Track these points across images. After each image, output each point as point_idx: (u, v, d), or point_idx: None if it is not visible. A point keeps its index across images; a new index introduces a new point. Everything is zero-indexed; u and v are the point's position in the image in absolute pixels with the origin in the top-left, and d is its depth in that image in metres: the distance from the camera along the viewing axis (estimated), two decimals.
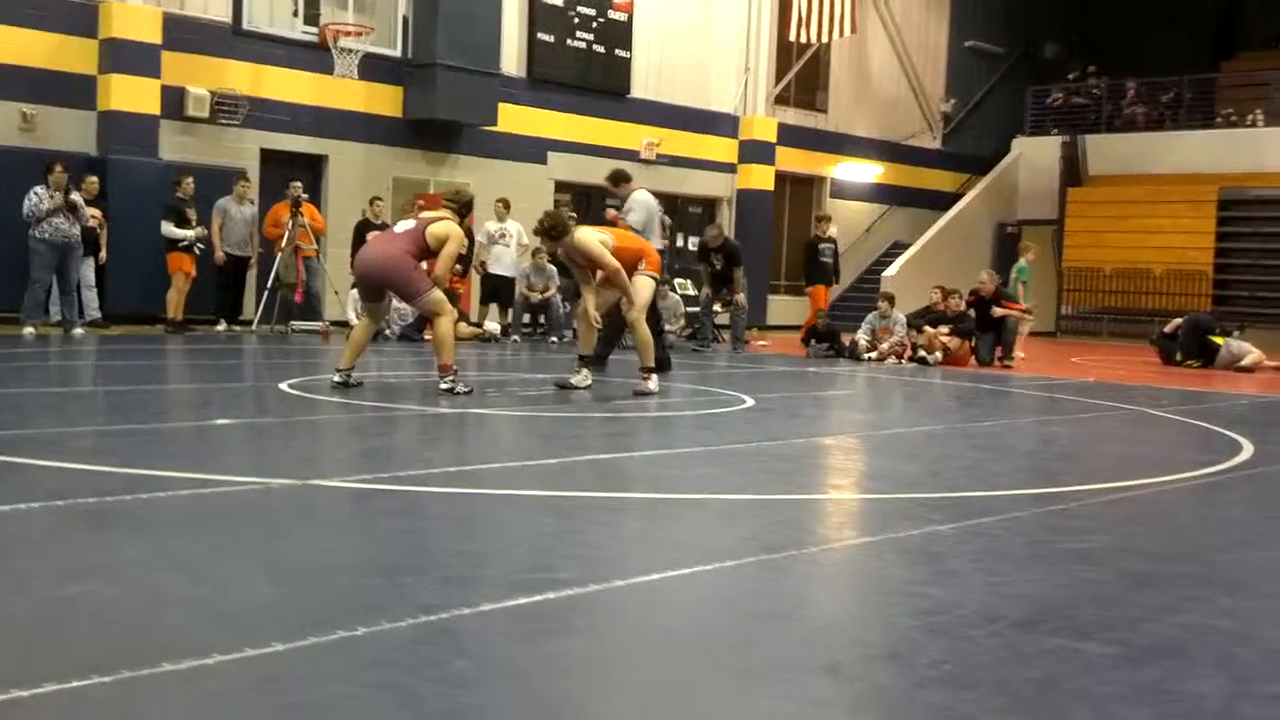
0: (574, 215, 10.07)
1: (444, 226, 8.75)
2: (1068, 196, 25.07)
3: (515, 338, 16.06)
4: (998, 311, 14.92)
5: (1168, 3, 28.08)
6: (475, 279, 16.75)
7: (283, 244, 15.22)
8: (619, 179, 12.18)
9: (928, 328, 14.64)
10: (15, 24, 14.55)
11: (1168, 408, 10.48)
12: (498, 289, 16.46)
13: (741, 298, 16.21)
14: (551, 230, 9.52)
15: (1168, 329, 16.53)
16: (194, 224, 14.61)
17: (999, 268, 18.02)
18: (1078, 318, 24.74)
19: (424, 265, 8.79)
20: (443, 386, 8.72)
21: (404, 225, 8.90)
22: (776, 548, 4.23)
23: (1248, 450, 7.45)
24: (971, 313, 14.92)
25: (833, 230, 18.86)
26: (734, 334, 16.26)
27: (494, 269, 16.30)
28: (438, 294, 8.82)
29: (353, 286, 11.18)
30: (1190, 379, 14.13)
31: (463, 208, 9.17)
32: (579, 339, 9.89)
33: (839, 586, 4.01)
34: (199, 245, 14.61)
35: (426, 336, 14.24)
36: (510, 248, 16.33)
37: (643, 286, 9.52)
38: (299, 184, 15.58)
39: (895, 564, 4.14)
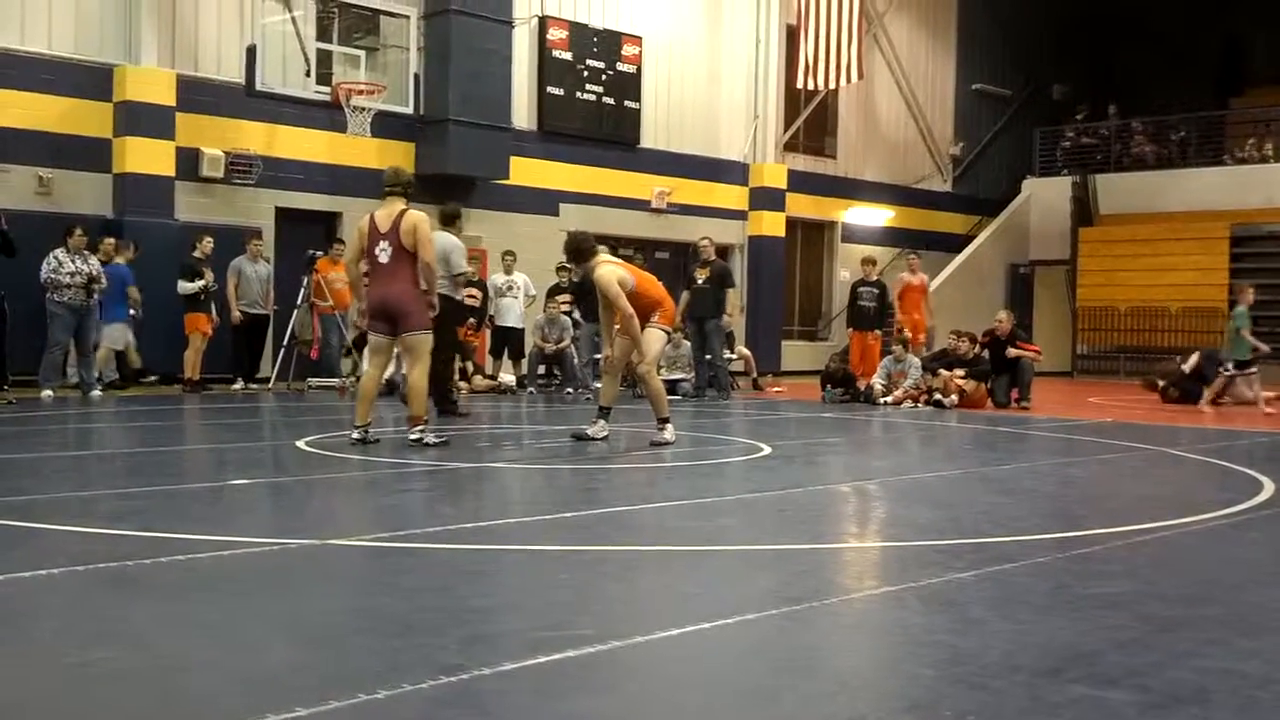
0: (603, 247, 10.05)
1: (408, 223, 8.66)
2: (1079, 236, 25.07)
3: (530, 389, 16.09)
4: (1012, 352, 14.89)
5: (1174, 41, 28.19)
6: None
7: (298, 301, 15.32)
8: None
9: (943, 371, 14.62)
10: (30, 89, 14.72)
11: (1187, 447, 10.44)
12: (506, 341, 16.50)
13: (728, 320, 16.03)
14: (574, 253, 9.62)
15: (1188, 367, 16.33)
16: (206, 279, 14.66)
17: (1014, 309, 17.96)
18: (1093, 357, 24.68)
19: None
20: (411, 438, 8.69)
21: (384, 253, 8.72)
22: (798, 599, 4.21)
23: (1269, 489, 7.40)
24: (986, 354, 14.89)
25: (876, 274, 18.43)
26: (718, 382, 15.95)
27: (502, 321, 16.34)
28: (429, 341, 8.84)
29: (365, 343, 11.22)
30: (1207, 417, 14.07)
31: (406, 187, 8.97)
32: (602, 390, 9.87)
33: (861, 637, 3.99)
34: (210, 289, 14.62)
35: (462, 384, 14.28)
36: (518, 299, 16.39)
37: (652, 339, 9.47)
38: (341, 244, 15.72)
39: (917, 613, 4.12)
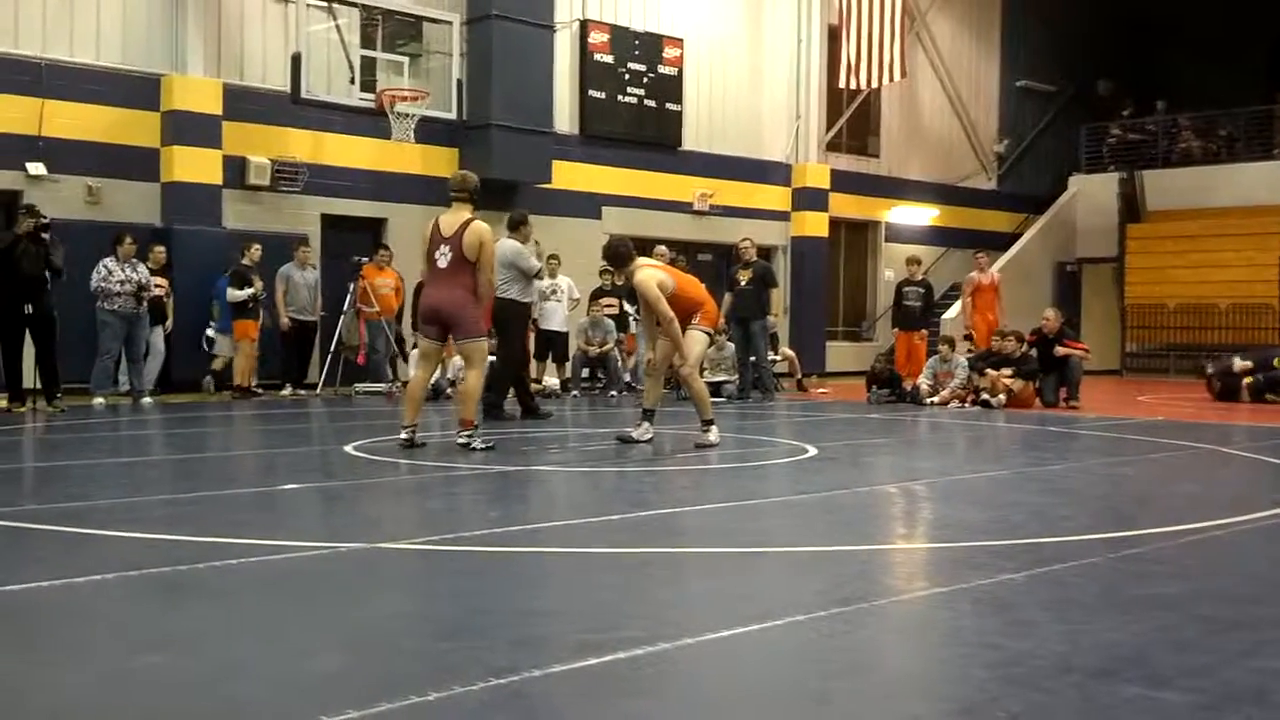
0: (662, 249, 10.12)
1: (472, 234, 8.68)
2: (1127, 233, 24.84)
3: (574, 392, 16.11)
4: (1060, 351, 14.77)
5: (1220, 35, 27.86)
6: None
7: (346, 306, 15.46)
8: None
9: (990, 370, 14.51)
10: (79, 100, 14.90)
11: (1238, 445, 10.31)
12: (550, 344, 16.50)
13: (773, 320, 16.05)
14: (613, 258, 9.67)
15: (1237, 368, 16.11)
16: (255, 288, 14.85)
17: (1062, 307, 17.74)
18: (1142, 355, 24.42)
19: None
20: (459, 441, 8.74)
21: (444, 258, 8.74)
22: (848, 600, 4.20)
23: None
24: (1034, 353, 14.77)
25: (922, 273, 18.34)
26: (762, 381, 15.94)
27: (545, 325, 16.34)
28: (484, 346, 8.93)
29: (413, 346, 11.30)
30: (1259, 414, 13.90)
31: (472, 193, 8.97)
32: (645, 392, 9.88)
33: (913, 639, 3.97)
34: (259, 296, 14.80)
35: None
36: (561, 303, 16.39)
37: (694, 342, 9.45)
38: (386, 250, 15.89)
39: (968, 614, 4.10)
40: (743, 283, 15.55)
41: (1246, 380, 15.72)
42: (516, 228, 12.14)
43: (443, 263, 8.76)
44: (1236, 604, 4.31)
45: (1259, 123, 25.38)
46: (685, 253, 19.94)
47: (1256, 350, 16.90)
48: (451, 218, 8.85)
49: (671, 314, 9.18)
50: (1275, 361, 16.00)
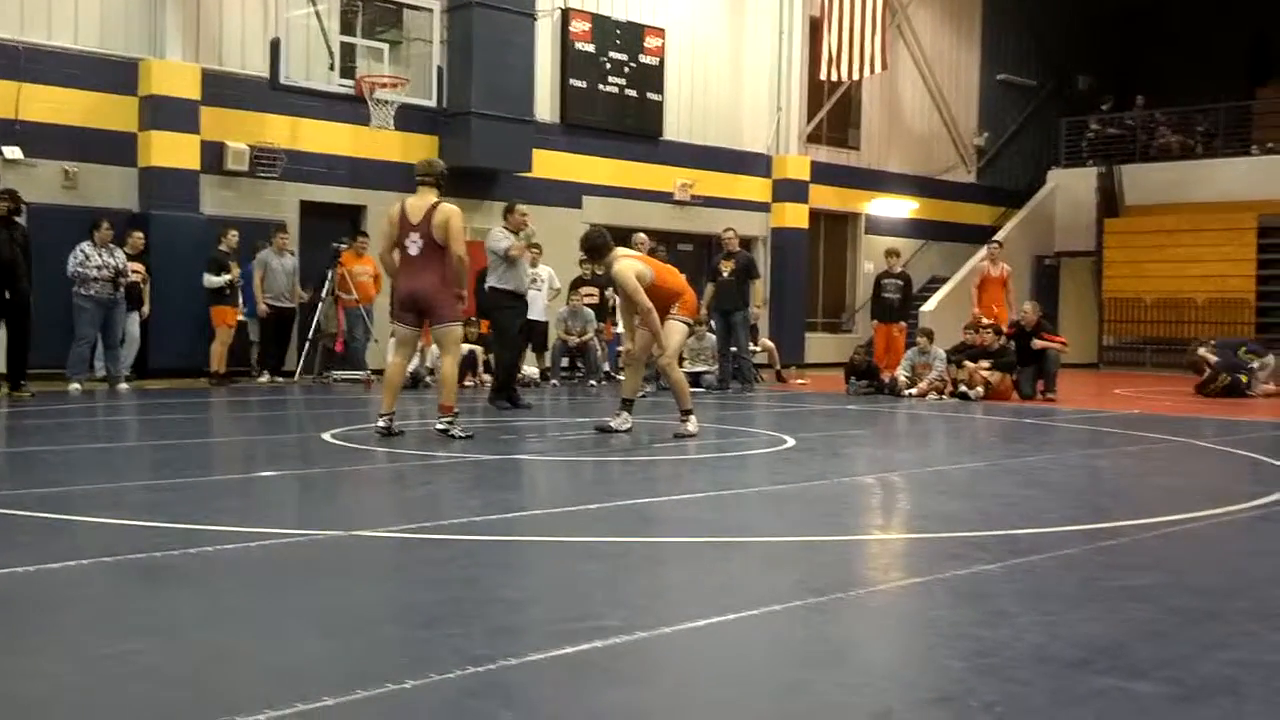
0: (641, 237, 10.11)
1: (440, 215, 8.68)
2: (1105, 227, 24.93)
3: (554, 381, 16.10)
4: (1038, 344, 14.82)
5: (1200, 31, 27.99)
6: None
7: (323, 293, 15.40)
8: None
9: (968, 362, 14.56)
10: (56, 84, 14.78)
11: (1214, 439, 10.38)
12: (530, 334, 16.44)
13: (755, 311, 16.05)
14: (590, 249, 9.66)
15: (1209, 355, 16.15)
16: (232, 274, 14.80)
17: (1040, 300, 17.76)
18: (1119, 349, 24.55)
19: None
20: (438, 427, 8.76)
21: (414, 245, 8.75)
22: (823, 591, 4.21)
23: None
24: (1012, 346, 14.83)
25: (900, 265, 18.38)
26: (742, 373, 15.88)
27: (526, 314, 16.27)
28: (459, 332, 9.00)
29: (391, 334, 11.21)
30: (1235, 409, 13.98)
31: (439, 178, 8.98)
32: (624, 382, 9.89)
33: (887, 629, 3.98)
34: (236, 283, 14.79)
35: (468, 383, 14.31)
36: (542, 292, 16.35)
37: (673, 332, 9.47)
38: (365, 237, 15.82)
39: (944, 605, 4.11)
40: (725, 273, 15.53)
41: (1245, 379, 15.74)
42: (505, 216, 12.30)
43: (414, 250, 8.76)
44: (1211, 596, 4.33)
45: (1237, 118, 25.52)
46: (665, 242, 19.91)
47: (1222, 343, 16.92)
48: (418, 201, 8.84)
49: (649, 305, 9.18)
50: (1240, 351, 16.09)
